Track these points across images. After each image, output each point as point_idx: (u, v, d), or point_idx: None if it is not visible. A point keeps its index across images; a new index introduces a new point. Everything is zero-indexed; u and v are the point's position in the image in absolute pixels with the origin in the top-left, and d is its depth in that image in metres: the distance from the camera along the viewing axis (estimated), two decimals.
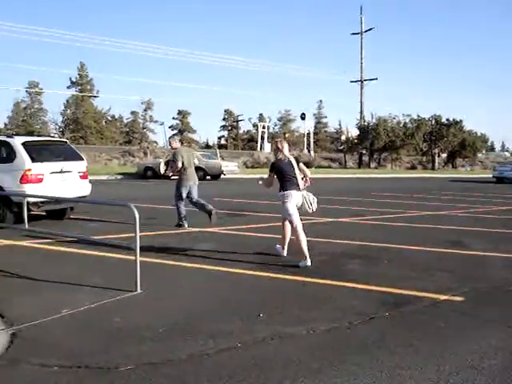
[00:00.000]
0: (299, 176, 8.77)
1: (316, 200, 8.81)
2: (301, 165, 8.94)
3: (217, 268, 8.19)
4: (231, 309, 6.28)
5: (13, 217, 11.86)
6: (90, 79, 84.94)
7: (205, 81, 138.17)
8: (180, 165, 12.03)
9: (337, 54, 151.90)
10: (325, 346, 5.13)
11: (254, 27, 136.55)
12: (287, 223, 8.83)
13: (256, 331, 5.46)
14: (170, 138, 13.99)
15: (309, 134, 71.30)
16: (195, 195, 12.34)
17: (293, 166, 8.73)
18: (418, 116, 64.55)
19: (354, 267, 8.49)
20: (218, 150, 44.87)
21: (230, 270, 8.11)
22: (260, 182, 9.21)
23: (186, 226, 12.17)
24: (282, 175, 8.68)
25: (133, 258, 6.93)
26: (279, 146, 8.80)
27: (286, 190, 8.59)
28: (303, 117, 70.48)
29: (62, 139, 15.47)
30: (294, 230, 8.63)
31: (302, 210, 8.76)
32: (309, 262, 8.35)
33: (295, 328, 5.56)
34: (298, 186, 8.70)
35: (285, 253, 9.05)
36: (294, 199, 8.61)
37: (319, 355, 4.86)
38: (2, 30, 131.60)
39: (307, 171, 9.07)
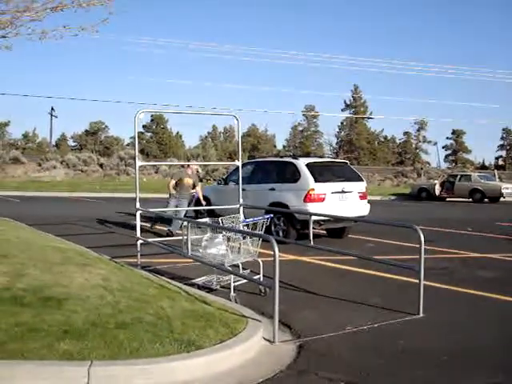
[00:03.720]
0: None
1: None
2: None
3: (504, 298, 7.66)
4: None
5: (295, 233, 12.56)
6: (363, 101, 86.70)
7: (481, 99, 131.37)
8: None
9: None
10: None
11: None
12: None
13: None
14: None
15: None
16: None
17: None
18: None
19: None
20: (496, 171, 42.35)
21: None
22: None
23: None
24: None
25: (413, 280, 6.81)
26: None
27: None
28: None
29: (342, 160, 15.97)
30: None
31: None
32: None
33: None
34: None
35: None
36: None
37: None
38: (281, 58, 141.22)
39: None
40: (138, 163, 9.06)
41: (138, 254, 8.88)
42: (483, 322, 6.57)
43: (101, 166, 48.51)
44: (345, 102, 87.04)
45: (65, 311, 5.29)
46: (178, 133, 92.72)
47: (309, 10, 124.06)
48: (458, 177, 33.65)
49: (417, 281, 6.77)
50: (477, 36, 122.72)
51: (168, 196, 14.21)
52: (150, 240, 9.25)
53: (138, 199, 8.91)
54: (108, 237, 13.24)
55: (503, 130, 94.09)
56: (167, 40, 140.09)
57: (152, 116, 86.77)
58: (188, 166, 14.41)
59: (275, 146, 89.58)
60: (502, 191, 31.67)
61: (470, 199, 32.04)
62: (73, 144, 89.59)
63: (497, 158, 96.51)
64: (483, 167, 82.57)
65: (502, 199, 31.93)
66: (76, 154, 54.44)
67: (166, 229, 13.45)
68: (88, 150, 66.60)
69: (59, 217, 17.26)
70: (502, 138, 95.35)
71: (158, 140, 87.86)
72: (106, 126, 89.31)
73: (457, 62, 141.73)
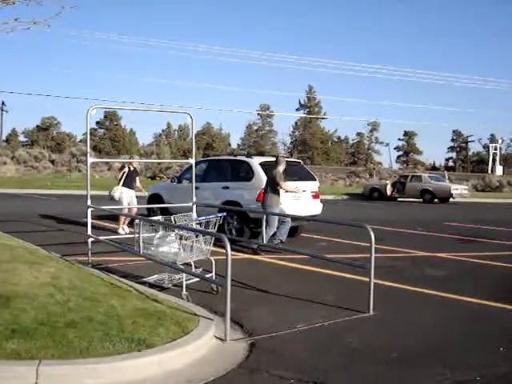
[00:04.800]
0: None
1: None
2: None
3: (451, 296, 7.83)
4: (468, 340, 5.95)
5: (248, 232, 12.58)
6: (317, 102, 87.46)
7: (432, 101, 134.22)
8: None
9: None
10: None
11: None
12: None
13: (496, 365, 5.11)
14: None
15: None
16: None
17: None
18: None
19: None
20: (446, 173, 43.35)
21: (466, 298, 7.70)
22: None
23: None
24: None
25: (364, 278, 6.91)
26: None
27: None
28: None
29: (296, 160, 16.05)
30: None
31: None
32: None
33: None
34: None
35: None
36: None
37: None
38: (236, 56, 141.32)
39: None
40: (90, 160, 8.93)
41: (89, 252, 8.76)
42: (431, 320, 6.71)
43: (52, 162, 47.66)
44: (299, 101, 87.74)
45: (13, 310, 5.19)
46: (131, 130, 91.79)
47: (269, 10, 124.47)
48: (409, 177, 34.24)
49: (367, 279, 6.87)
50: (432, 38, 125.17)
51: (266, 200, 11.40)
52: (101, 238, 9.13)
53: (89, 196, 8.77)
54: (58, 234, 13.00)
55: (453, 132, 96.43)
56: (123, 36, 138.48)
57: (105, 113, 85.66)
58: (279, 161, 11.62)
59: (230, 145, 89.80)
60: (452, 192, 32.39)
61: (421, 199, 32.66)
62: (24, 139, 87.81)
63: (447, 160, 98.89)
64: (434, 168, 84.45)
65: (451, 200, 32.64)
66: (27, 149, 53.37)
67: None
68: (39, 146, 65.30)
69: (8, 214, 16.84)
70: (453, 140, 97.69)
71: (111, 137, 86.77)
72: (58, 122, 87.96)
73: (414, 65, 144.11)
